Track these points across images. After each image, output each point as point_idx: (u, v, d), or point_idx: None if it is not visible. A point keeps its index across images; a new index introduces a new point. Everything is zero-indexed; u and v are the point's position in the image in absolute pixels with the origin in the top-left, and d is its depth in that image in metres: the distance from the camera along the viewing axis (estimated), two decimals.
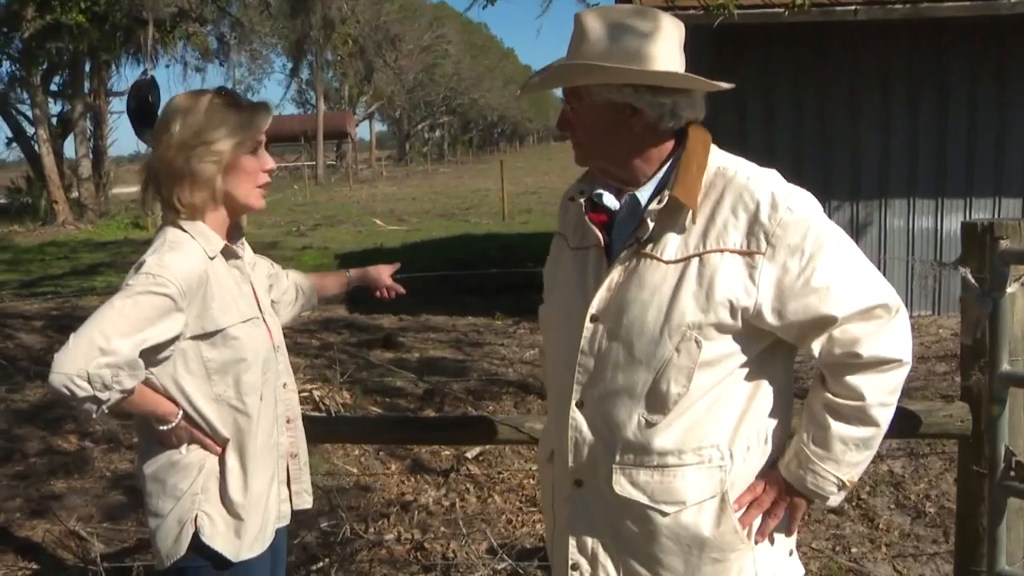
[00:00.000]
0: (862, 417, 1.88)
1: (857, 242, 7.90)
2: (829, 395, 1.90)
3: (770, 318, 1.85)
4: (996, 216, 9.32)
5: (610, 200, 2.01)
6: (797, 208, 1.85)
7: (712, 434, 1.91)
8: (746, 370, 1.92)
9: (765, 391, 1.95)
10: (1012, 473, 2.81)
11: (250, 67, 42.34)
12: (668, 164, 1.96)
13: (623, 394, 1.93)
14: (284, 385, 2.39)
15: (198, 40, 25.35)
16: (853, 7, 8.25)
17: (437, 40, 50.66)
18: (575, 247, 2.07)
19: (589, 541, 2.03)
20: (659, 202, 1.89)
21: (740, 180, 1.89)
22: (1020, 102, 9.13)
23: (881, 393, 1.87)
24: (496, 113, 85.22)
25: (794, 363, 2.03)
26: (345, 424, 3.33)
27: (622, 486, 1.95)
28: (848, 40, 8.95)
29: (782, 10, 8.15)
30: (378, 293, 2.82)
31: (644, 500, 1.94)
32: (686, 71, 1.94)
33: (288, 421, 2.40)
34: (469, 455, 5.49)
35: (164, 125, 2.22)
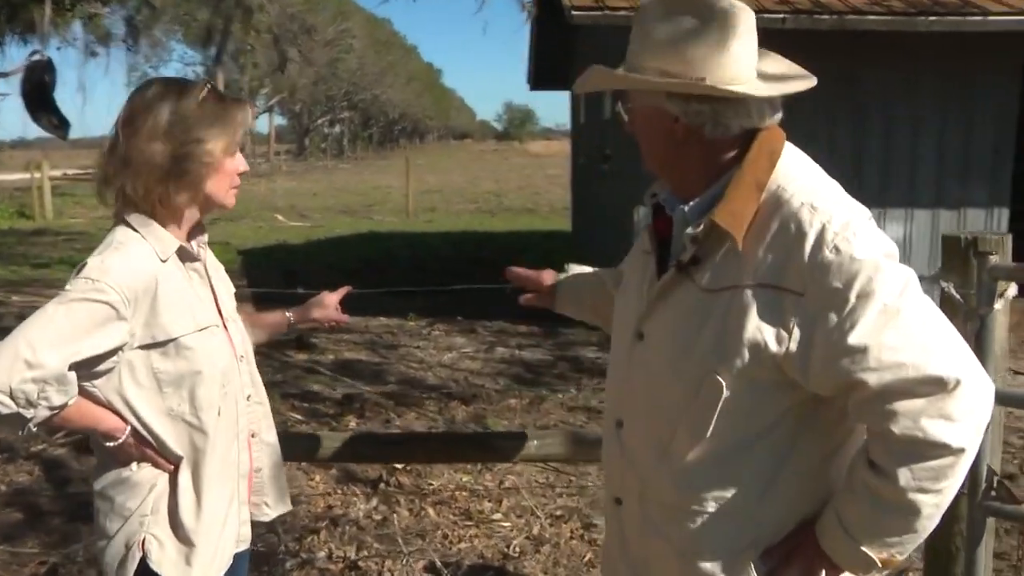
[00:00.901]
0: (896, 501, 1.59)
1: None
2: (867, 468, 1.62)
3: (798, 373, 1.62)
4: (908, 228, 9.50)
5: (671, 207, 1.82)
6: (847, 249, 1.58)
7: (739, 484, 1.71)
8: (786, 417, 1.69)
9: (814, 439, 1.72)
10: (993, 493, 2.74)
11: (147, 54, 40.66)
12: (725, 177, 1.72)
13: (650, 424, 1.78)
14: (248, 398, 2.15)
15: (97, 23, 24.25)
16: (781, 15, 8.26)
17: (341, 34, 49.92)
18: (645, 250, 1.90)
19: (622, 563, 1.90)
20: (699, 226, 1.69)
21: (793, 206, 1.64)
22: (932, 117, 9.32)
23: (920, 479, 1.57)
24: (398, 110, 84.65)
25: None
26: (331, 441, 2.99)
27: (647, 518, 1.81)
28: (774, 49, 8.95)
29: None
30: (327, 326, 2.57)
31: (663, 540, 1.79)
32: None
33: (252, 436, 2.17)
34: (398, 464, 5.24)
35: (147, 112, 1.98)
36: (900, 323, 1.55)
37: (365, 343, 8.76)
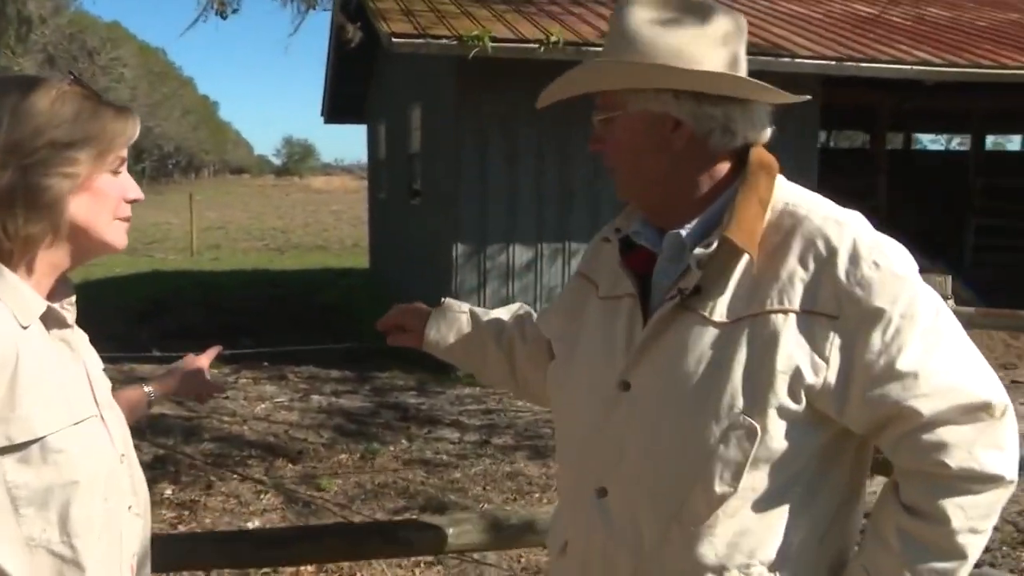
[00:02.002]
0: (944, 546, 1.43)
1: None
2: (904, 513, 1.45)
3: (837, 404, 1.44)
4: None
5: (650, 239, 1.60)
6: (886, 263, 1.44)
7: (764, 546, 1.48)
8: (811, 463, 1.49)
9: (832, 487, 1.52)
10: None
11: None
12: (723, 196, 1.54)
13: (654, 487, 1.51)
14: (129, 508, 1.57)
15: None
16: (539, 46, 8.15)
17: (112, 62, 46.96)
18: (605, 296, 1.66)
19: None
20: (708, 245, 1.47)
21: (814, 222, 1.48)
22: None
23: (972, 518, 1.42)
24: (172, 143, 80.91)
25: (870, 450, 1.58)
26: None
27: None
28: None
29: (537, 46, 7.93)
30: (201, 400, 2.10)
31: None
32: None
33: (133, 557, 1.58)
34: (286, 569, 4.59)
35: None
36: (943, 346, 1.44)
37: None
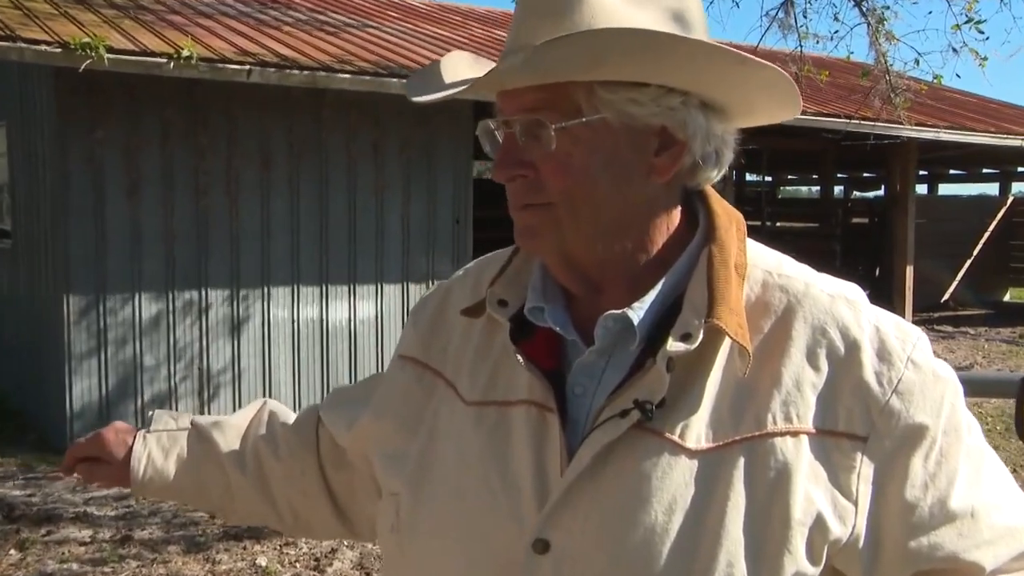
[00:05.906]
0: None
1: (239, 337, 6.70)
2: None
3: (867, 562, 1.06)
4: (379, 305, 8.88)
5: (559, 320, 1.13)
6: (925, 363, 1.10)
7: None
8: None
9: None
10: None
11: None
12: (680, 261, 1.13)
13: None
14: None
15: None
16: (247, 67, 7.10)
17: None
18: (479, 401, 1.16)
19: None
20: (687, 338, 1.04)
21: (820, 302, 1.11)
22: (395, 185, 8.85)
23: None
24: None
25: None
26: None
27: None
28: (226, 106, 7.78)
29: (166, 60, 6.69)
30: None
31: None
32: None
33: None
34: None
35: None
36: (987, 468, 1.13)
37: None
